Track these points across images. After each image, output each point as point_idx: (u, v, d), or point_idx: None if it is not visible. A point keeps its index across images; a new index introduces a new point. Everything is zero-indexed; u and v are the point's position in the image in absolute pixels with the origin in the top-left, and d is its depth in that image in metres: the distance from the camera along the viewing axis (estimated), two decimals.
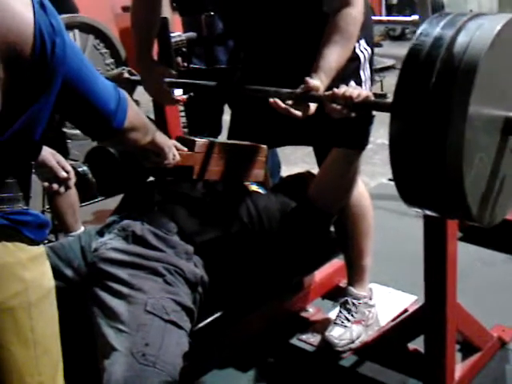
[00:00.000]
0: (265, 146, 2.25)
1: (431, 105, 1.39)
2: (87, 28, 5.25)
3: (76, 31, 4.96)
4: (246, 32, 2.26)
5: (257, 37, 2.22)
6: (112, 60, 5.39)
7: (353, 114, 1.72)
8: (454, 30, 1.43)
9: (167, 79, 2.19)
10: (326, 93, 1.76)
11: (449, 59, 1.39)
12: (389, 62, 8.59)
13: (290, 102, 1.79)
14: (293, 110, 1.77)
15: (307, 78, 1.78)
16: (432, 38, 1.43)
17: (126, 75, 2.29)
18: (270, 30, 2.14)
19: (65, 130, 4.07)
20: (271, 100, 1.77)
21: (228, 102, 2.69)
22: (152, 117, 2.59)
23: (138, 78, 2.26)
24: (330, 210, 2.12)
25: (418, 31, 1.47)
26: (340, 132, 1.91)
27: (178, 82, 2.25)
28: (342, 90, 1.71)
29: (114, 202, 2.22)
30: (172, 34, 2.56)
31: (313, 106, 1.82)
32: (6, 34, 1.21)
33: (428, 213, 1.63)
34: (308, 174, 2.34)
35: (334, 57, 1.90)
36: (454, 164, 1.39)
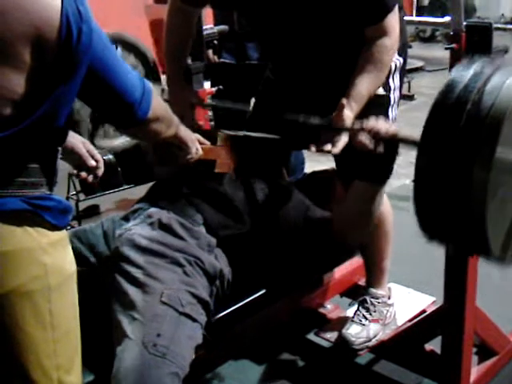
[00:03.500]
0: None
1: (458, 147, 1.39)
2: (128, 46, 5.31)
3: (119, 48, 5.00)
4: (278, 47, 2.27)
5: (288, 54, 2.23)
6: (142, 67, 5.45)
7: (380, 149, 1.74)
8: (486, 76, 1.43)
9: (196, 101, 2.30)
10: (354, 126, 1.79)
11: (479, 104, 1.39)
12: (418, 64, 8.55)
13: None
14: (325, 148, 1.82)
15: (340, 108, 1.84)
16: (463, 83, 1.43)
17: None
18: (302, 49, 2.15)
19: None
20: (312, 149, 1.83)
21: (256, 95, 2.71)
22: None
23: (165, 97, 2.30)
24: (350, 243, 2.09)
25: (451, 74, 1.48)
26: (363, 165, 1.92)
27: (208, 104, 2.43)
28: (370, 123, 1.73)
29: (137, 191, 2.23)
30: (204, 27, 2.58)
31: (343, 142, 1.84)
32: (33, 18, 1.22)
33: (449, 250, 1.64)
34: (333, 171, 2.33)
35: (365, 86, 1.95)
36: (478, 205, 1.39)
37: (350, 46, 2.04)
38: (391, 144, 1.75)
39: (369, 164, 1.86)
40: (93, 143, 4.26)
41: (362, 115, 1.95)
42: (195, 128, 2.12)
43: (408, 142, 1.70)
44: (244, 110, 3.63)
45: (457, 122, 1.40)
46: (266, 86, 2.46)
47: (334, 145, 1.84)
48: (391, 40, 2.00)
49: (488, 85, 1.41)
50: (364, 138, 1.74)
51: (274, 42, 2.25)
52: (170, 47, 2.28)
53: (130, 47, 5.29)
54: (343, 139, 1.84)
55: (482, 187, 1.37)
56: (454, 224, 1.46)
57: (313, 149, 1.83)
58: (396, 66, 2.20)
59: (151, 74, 5.29)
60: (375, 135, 1.72)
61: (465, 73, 1.45)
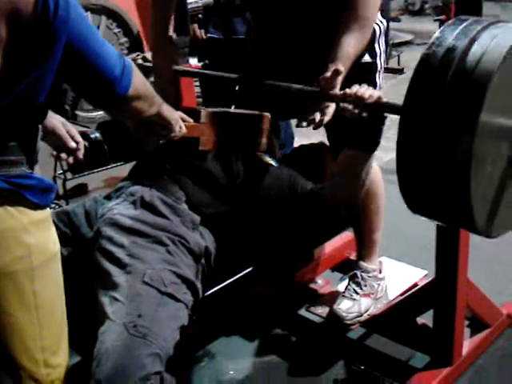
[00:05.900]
0: (268, 114, 2.22)
1: (442, 112, 1.37)
2: (98, 9, 5.20)
3: (88, 13, 4.90)
4: (260, 6, 2.23)
5: (271, 13, 2.19)
6: (126, 39, 5.33)
7: (364, 114, 1.70)
8: (468, 39, 1.41)
9: (181, 68, 2.25)
10: (338, 92, 1.75)
11: (462, 67, 1.37)
12: (407, 37, 8.51)
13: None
14: (316, 119, 1.76)
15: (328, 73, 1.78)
16: (445, 47, 1.42)
17: (140, 61, 2.28)
18: (285, 8, 2.11)
19: None
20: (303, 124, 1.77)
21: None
22: None
23: (151, 64, 2.27)
24: (341, 210, 2.05)
25: (432, 38, 1.46)
26: (350, 132, 1.88)
27: (195, 71, 2.29)
28: (354, 89, 1.70)
29: (125, 169, 2.21)
30: (188, 0, 2.54)
31: (332, 108, 1.79)
32: None
33: (433, 221, 1.62)
34: (321, 144, 2.31)
35: (351, 45, 1.89)
36: (462, 173, 1.37)
37: (333, 7, 1.98)
38: (376, 109, 1.72)
39: (355, 131, 1.83)
40: (74, 115, 4.20)
41: (351, 83, 1.91)
42: (179, 106, 2.10)
43: (391, 107, 1.67)
44: (232, 85, 3.60)
45: (441, 84, 1.37)
46: (248, 60, 2.42)
47: (323, 113, 1.78)
48: None
49: (474, 45, 1.38)
50: (348, 105, 1.70)
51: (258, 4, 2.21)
52: (154, 19, 2.23)
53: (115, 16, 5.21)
54: (332, 105, 1.79)
55: (467, 154, 1.35)
56: (438, 193, 1.44)
57: (304, 124, 1.78)
58: (380, 29, 2.15)
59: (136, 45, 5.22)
60: (359, 101, 1.68)
61: (451, 31, 1.43)
